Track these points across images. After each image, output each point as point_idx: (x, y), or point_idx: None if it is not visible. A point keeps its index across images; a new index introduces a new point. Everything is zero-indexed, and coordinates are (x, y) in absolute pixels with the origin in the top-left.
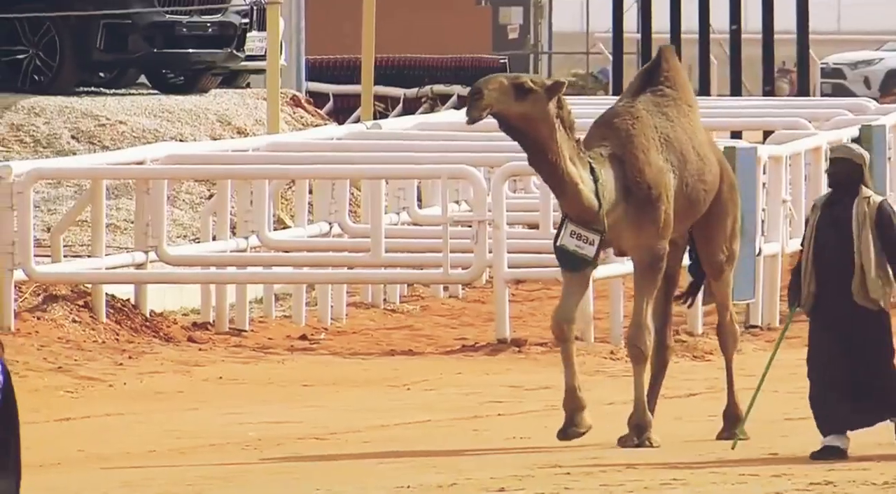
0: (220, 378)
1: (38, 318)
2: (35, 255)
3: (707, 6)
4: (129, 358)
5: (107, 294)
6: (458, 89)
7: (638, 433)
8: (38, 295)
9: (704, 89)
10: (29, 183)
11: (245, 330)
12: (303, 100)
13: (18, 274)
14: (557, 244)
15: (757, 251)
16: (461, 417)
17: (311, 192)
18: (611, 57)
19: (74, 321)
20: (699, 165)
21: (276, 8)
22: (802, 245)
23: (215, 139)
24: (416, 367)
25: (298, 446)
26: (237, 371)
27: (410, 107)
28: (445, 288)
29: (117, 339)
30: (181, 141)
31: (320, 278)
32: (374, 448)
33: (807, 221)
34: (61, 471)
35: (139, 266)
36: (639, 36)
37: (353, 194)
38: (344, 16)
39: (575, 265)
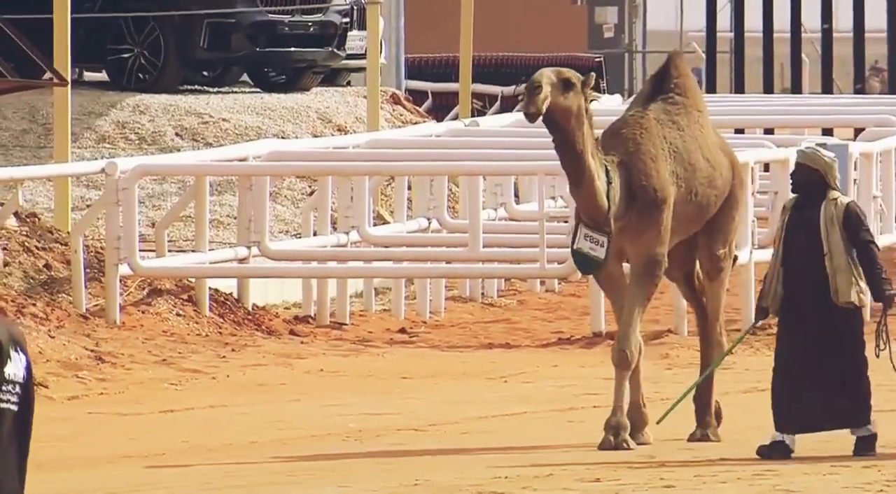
0: (322, 370)
1: (143, 312)
2: (140, 250)
3: (799, 5)
4: (232, 350)
5: (210, 288)
6: None
7: (615, 434)
8: (143, 289)
9: (796, 87)
10: (134, 179)
11: (345, 324)
12: (402, 98)
13: (124, 269)
14: (574, 247)
15: None
16: (557, 409)
17: (409, 188)
18: (704, 55)
19: (178, 314)
20: (709, 171)
21: (375, 7)
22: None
23: (316, 136)
24: (512, 360)
25: (398, 437)
26: (338, 363)
27: (508, 105)
28: (542, 283)
29: (220, 332)
30: (283, 138)
31: (419, 272)
32: (472, 439)
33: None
34: (165, 462)
35: (242, 260)
36: (732, 34)
37: (451, 190)
38: (442, 15)
39: (589, 267)
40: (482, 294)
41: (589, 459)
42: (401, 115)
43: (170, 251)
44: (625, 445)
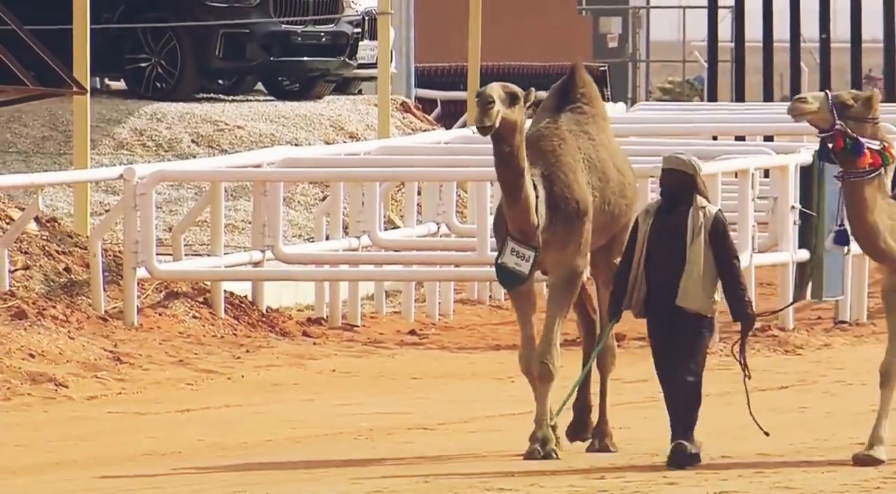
0: (334, 370)
1: (160, 314)
2: (157, 254)
3: (798, 16)
4: (247, 351)
5: (225, 291)
6: None
7: (542, 445)
8: (160, 291)
9: (796, 95)
10: (151, 185)
11: (357, 326)
12: (412, 106)
13: (141, 272)
14: (499, 261)
15: (846, 250)
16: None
17: (419, 194)
18: (706, 65)
19: (194, 316)
20: (620, 181)
21: (386, 18)
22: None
23: (329, 143)
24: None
25: (408, 436)
26: (349, 364)
27: None
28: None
29: (235, 334)
30: (296, 145)
31: (429, 276)
32: (481, 438)
33: (636, 227)
34: (182, 460)
35: (256, 264)
36: (733, 44)
37: (459, 195)
38: (451, 26)
39: (512, 282)
40: (490, 296)
41: (593, 458)
42: (410, 123)
43: (186, 255)
44: (553, 455)
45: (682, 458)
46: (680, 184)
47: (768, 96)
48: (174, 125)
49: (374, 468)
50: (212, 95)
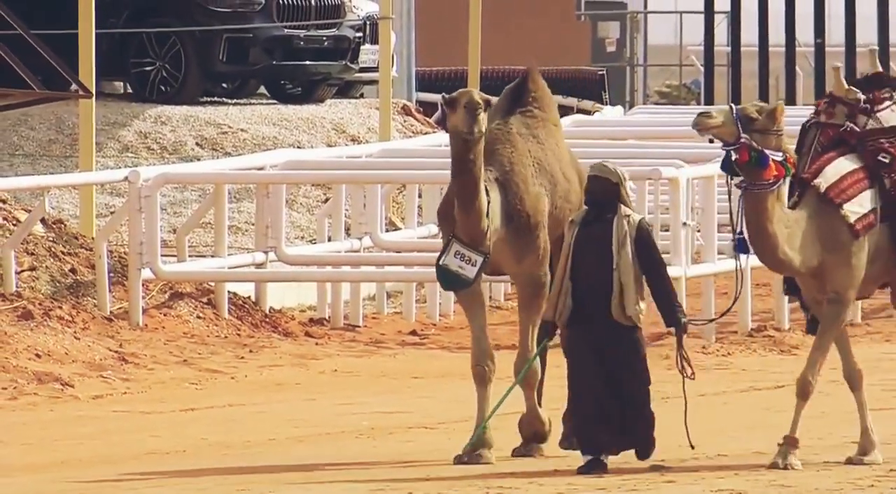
0: (336, 370)
1: (165, 314)
2: (162, 255)
3: (793, 21)
4: (250, 351)
5: (229, 291)
6: (559, 99)
7: (473, 449)
8: (165, 292)
9: (790, 99)
10: (156, 187)
11: (359, 326)
12: (413, 110)
13: (146, 273)
14: (440, 263)
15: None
16: (561, 407)
17: (420, 196)
18: (702, 69)
19: (199, 317)
20: (566, 186)
21: (387, 23)
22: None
23: (331, 146)
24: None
25: (409, 435)
26: (351, 364)
27: None
28: None
29: (239, 334)
30: (299, 148)
31: (429, 277)
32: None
33: (562, 237)
34: (186, 458)
35: (259, 265)
36: (729, 49)
37: None
38: (452, 30)
39: (454, 285)
40: (489, 297)
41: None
42: (412, 126)
43: (190, 256)
44: (482, 460)
45: (596, 469)
46: (605, 191)
47: (764, 100)
48: (178, 128)
49: (375, 467)
50: (215, 99)
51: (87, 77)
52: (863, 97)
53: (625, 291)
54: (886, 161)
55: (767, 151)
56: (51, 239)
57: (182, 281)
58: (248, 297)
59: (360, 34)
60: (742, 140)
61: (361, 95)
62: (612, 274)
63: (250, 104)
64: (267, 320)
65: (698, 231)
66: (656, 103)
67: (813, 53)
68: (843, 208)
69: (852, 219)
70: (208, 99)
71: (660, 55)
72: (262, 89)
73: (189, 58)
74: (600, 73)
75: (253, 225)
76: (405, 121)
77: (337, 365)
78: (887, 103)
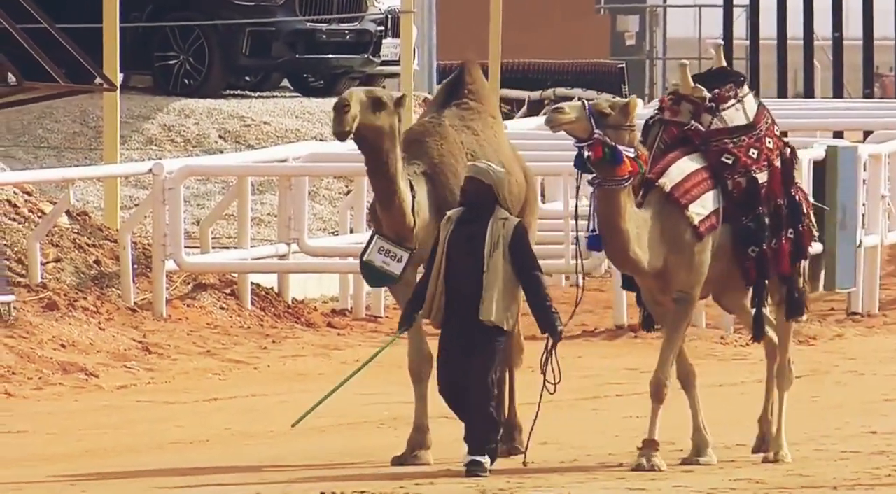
0: (357, 360)
1: (188, 305)
2: (185, 247)
3: (811, 14)
4: (273, 342)
5: (252, 283)
6: (579, 92)
7: (411, 451)
8: (188, 283)
9: (809, 92)
10: (180, 179)
11: (380, 317)
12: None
13: (170, 265)
14: (364, 259)
15: (858, 243)
16: (582, 397)
17: None
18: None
19: (222, 308)
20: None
21: (409, 16)
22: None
23: None
24: (539, 351)
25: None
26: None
27: (534, 109)
28: (567, 278)
29: (262, 325)
30: (321, 140)
31: (581, 267)
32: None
33: (438, 235)
34: (210, 448)
35: (282, 257)
36: (747, 42)
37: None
38: (473, 24)
39: (379, 281)
40: None
41: (610, 445)
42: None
43: (214, 248)
44: (419, 461)
45: (477, 475)
46: (478, 192)
47: (782, 93)
48: (202, 121)
49: (396, 455)
50: (239, 92)
51: (111, 70)
52: (708, 96)
53: (492, 294)
54: (729, 162)
55: (621, 147)
56: (76, 230)
57: (205, 273)
58: (271, 288)
59: (381, 28)
60: (595, 136)
61: (383, 88)
62: (483, 277)
63: (273, 97)
64: (289, 311)
65: None
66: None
67: (831, 47)
68: (689, 209)
69: (696, 221)
70: (231, 92)
71: (679, 48)
72: (285, 82)
73: (212, 51)
74: (620, 66)
75: (276, 216)
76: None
77: (359, 356)
78: (732, 102)
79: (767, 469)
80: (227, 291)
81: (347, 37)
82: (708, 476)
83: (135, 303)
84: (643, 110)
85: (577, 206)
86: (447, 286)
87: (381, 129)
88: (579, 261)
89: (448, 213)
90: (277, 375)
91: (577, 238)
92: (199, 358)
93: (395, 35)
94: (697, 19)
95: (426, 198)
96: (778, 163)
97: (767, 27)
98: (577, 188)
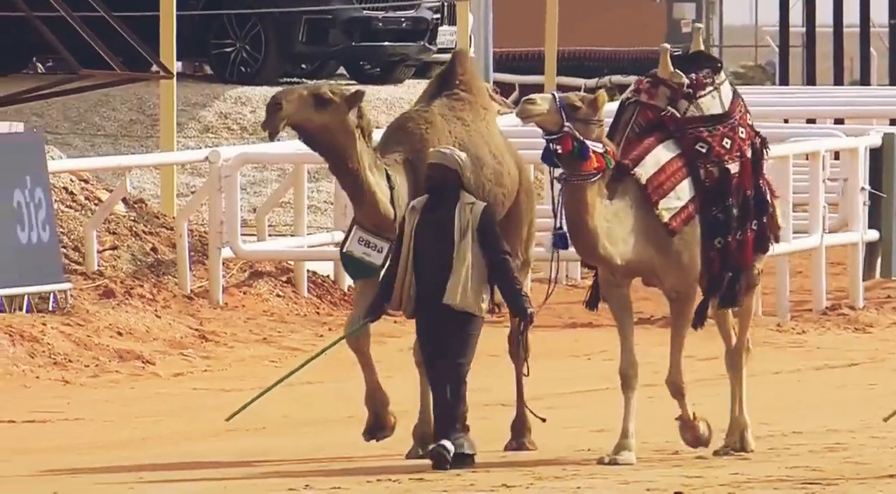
0: (410, 349)
1: (245, 293)
2: (242, 234)
3: (867, 1)
4: (329, 329)
5: (308, 270)
6: (635, 80)
7: (422, 444)
8: (245, 271)
9: (865, 79)
10: (236, 167)
11: None
12: (490, 90)
13: (226, 252)
14: (344, 250)
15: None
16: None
17: None
18: (777, 49)
19: (278, 295)
20: (496, 169)
21: (465, 4)
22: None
23: None
24: (595, 339)
25: (485, 411)
26: None
27: None
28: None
29: (318, 312)
30: (378, 128)
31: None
32: (557, 414)
33: (402, 225)
34: (267, 435)
35: (338, 244)
36: (804, 29)
37: (537, 177)
38: (529, 11)
39: (361, 273)
40: (566, 276)
41: (665, 433)
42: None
43: (270, 235)
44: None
45: (441, 460)
46: (443, 178)
47: (838, 80)
48: (258, 109)
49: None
50: (295, 79)
51: (167, 58)
52: (686, 82)
53: (463, 280)
54: (703, 151)
55: (589, 142)
56: (132, 218)
57: (262, 260)
58: (327, 276)
59: (437, 15)
60: (565, 129)
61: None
62: (452, 264)
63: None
64: (346, 298)
65: None
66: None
67: (888, 34)
68: (658, 206)
69: (666, 218)
70: (287, 79)
71: (735, 36)
72: (341, 70)
73: (269, 39)
74: (676, 53)
75: (332, 204)
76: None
77: (415, 343)
78: (709, 89)
79: (824, 457)
80: (284, 279)
81: (404, 24)
82: (764, 463)
83: (191, 291)
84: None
85: (553, 199)
86: (416, 275)
87: (326, 127)
88: (555, 253)
89: (412, 203)
90: (333, 363)
91: (556, 235)
92: (256, 346)
93: (452, 22)
94: (754, 7)
95: (405, 188)
96: (749, 154)
97: (824, 14)
98: (552, 182)
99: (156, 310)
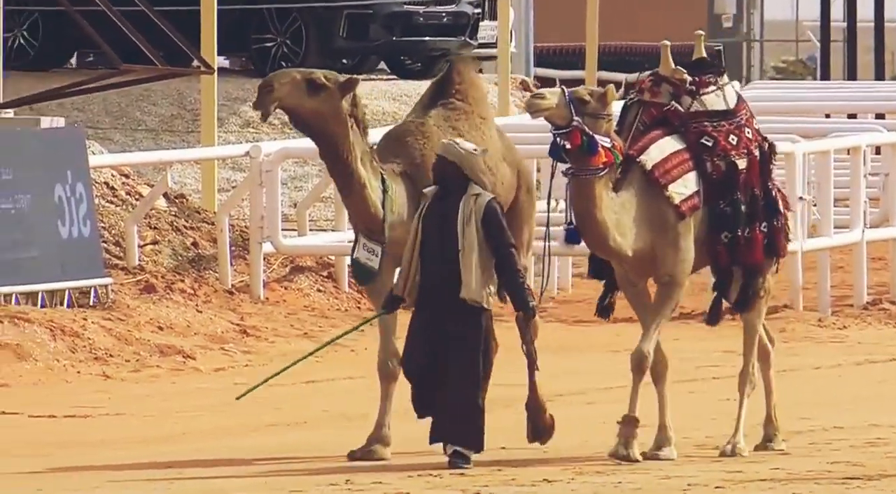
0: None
1: (286, 288)
2: (282, 229)
3: None
4: (370, 325)
5: (349, 265)
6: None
7: (366, 445)
8: (286, 266)
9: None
10: (277, 162)
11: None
12: (531, 85)
13: (267, 247)
14: (353, 257)
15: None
16: (679, 380)
17: (538, 171)
18: (818, 44)
19: (319, 290)
20: (490, 179)
21: None
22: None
23: None
24: (635, 333)
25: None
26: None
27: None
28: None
29: (359, 307)
30: None
31: (547, 250)
32: (597, 409)
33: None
34: (306, 430)
35: None
36: (845, 24)
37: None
38: (570, 6)
39: (365, 277)
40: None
41: (707, 428)
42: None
43: (311, 230)
44: (375, 456)
45: (460, 467)
46: (447, 170)
47: (879, 75)
48: None
49: (493, 437)
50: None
51: (208, 53)
52: (689, 78)
53: (469, 272)
54: (709, 144)
55: (597, 137)
56: (173, 213)
57: (302, 255)
58: None
59: (478, 10)
60: (574, 124)
61: (480, 71)
62: (458, 255)
63: (370, 79)
64: None
65: (814, 205)
66: (773, 79)
67: None
68: (668, 189)
69: (677, 200)
70: None
71: (776, 31)
72: (382, 65)
73: (309, 33)
74: (717, 48)
75: None
76: (523, 97)
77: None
78: (712, 88)
79: (865, 452)
80: (325, 274)
81: (444, 19)
82: (805, 459)
83: (232, 286)
84: (756, 92)
85: (549, 194)
86: (422, 264)
87: (319, 112)
88: (547, 245)
89: (425, 191)
90: (375, 358)
91: (547, 225)
92: (297, 341)
93: (492, 17)
94: (795, 2)
95: (403, 197)
96: (757, 154)
97: (865, 9)
98: (552, 177)
99: (197, 305)
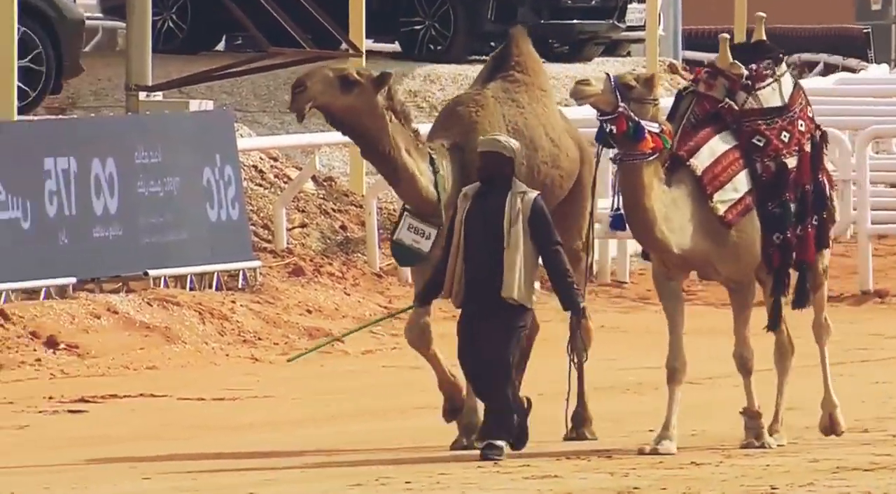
0: (602, 326)
1: None
2: None
3: None
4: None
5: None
6: (824, 57)
7: (467, 435)
8: None
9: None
10: None
11: (625, 282)
12: (679, 68)
13: None
14: (394, 238)
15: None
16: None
17: None
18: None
19: None
20: (553, 151)
21: None
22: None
23: None
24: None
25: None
26: (618, 319)
27: None
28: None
29: None
30: (565, 106)
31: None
32: (720, 393)
33: (454, 212)
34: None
35: None
36: None
37: None
38: None
39: (410, 260)
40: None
41: (857, 410)
42: (678, 84)
43: None
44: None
45: (492, 459)
46: (497, 166)
47: None
48: (447, 86)
49: (641, 419)
50: (484, 57)
51: (357, 36)
52: (745, 73)
53: (513, 270)
54: (761, 144)
55: (644, 122)
56: (321, 196)
57: None
58: None
59: None
60: (620, 109)
61: (628, 54)
62: (503, 253)
63: None
64: None
65: None
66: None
67: None
68: (713, 199)
69: (721, 211)
70: (476, 58)
71: None
72: None
73: (458, 17)
74: (865, 30)
75: None
76: (671, 80)
77: (604, 321)
78: (769, 81)
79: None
80: None
81: (593, 2)
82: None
83: (380, 269)
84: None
85: (594, 182)
86: (466, 264)
87: (354, 109)
88: (591, 236)
89: (464, 190)
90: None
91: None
92: (445, 323)
93: (641, 0)
94: None
95: (453, 172)
96: (808, 148)
97: None
98: (597, 163)
99: (345, 288)
